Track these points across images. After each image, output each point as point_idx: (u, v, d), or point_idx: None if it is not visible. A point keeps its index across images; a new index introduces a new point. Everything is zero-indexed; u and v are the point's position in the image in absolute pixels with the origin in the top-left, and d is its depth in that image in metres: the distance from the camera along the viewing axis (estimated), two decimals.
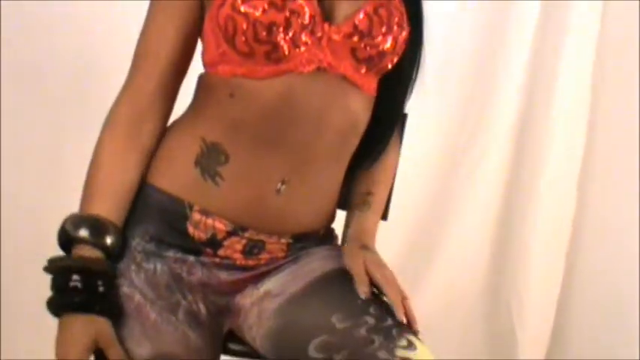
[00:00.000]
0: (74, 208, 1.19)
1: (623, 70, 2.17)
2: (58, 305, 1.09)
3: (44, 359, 1.45)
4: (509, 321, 2.39)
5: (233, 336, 1.25)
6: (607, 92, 2.24)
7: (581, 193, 2.35)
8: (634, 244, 2.19)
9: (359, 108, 1.16)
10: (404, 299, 1.15)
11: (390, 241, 2.26)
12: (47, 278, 1.96)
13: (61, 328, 1.08)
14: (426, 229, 2.36)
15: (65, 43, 1.93)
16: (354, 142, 1.20)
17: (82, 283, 1.08)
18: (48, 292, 1.98)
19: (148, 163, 1.18)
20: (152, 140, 1.19)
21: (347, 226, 1.34)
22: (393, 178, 1.41)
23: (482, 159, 2.33)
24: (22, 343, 2.02)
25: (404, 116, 1.41)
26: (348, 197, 1.34)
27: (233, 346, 1.25)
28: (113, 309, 1.11)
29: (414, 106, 1.32)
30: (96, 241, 1.11)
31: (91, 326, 1.07)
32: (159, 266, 1.16)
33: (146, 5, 1.19)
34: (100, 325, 1.08)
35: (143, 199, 1.17)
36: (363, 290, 1.14)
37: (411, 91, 1.24)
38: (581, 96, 2.25)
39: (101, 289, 1.09)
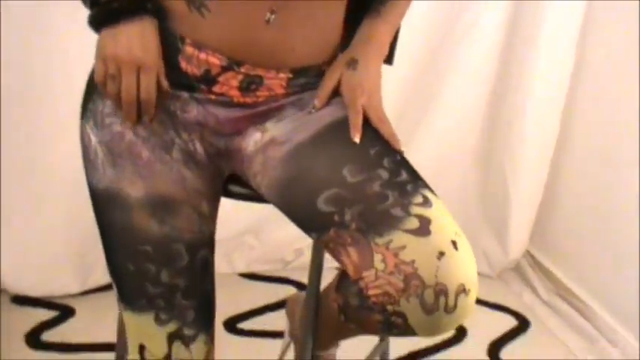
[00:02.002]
0: None
1: None
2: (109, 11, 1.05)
3: None
4: (502, 181, 2.38)
5: (234, 178, 1.21)
6: None
7: (579, 52, 2.29)
8: (631, 103, 2.16)
9: None
10: (381, 123, 1.10)
11: (384, 97, 2.23)
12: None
13: (127, 34, 1.06)
14: (420, 88, 2.31)
15: None
16: None
17: None
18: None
19: None
20: None
21: None
22: (401, 18, 1.32)
23: (479, 18, 2.25)
24: None
25: None
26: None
27: (234, 189, 1.21)
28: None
29: None
30: None
31: (153, 27, 1.08)
32: None
33: None
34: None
35: None
36: (313, 103, 1.13)
37: None
38: None
39: None
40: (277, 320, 2.15)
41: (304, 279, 2.34)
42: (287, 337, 1.44)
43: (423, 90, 2.30)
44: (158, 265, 1.09)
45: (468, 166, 2.44)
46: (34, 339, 1.98)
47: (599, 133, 2.27)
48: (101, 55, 1.08)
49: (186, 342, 1.12)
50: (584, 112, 2.32)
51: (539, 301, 2.36)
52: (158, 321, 1.10)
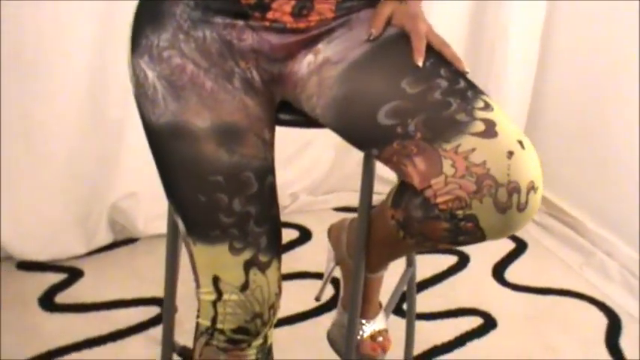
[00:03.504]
0: None
1: None
2: None
3: None
4: None
5: (283, 106, 1.21)
6: None
7: None
8: (609, 22, 2.22)
9: None
10: (444, 46, 1.11)
11: None
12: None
13: None
14: None
15: None
16: None
17: None
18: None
19: None
20: None
21: None
22: None
23: None
24: None
25: None
26: None
27: (283, 116, 1.22)
28: None
29: None
30: None
31: None
32: (208, 33, 1.11)
33: None
34: None
35: None
36: (371, 32, 1.11)
37: None
38: None
39: None
40: (286, 264, 2.16)
41: (303, 222, 2.38)
42: (331, 266, 1.46)
43: None
44: (230, 194, 1.09)
45: None
46: (48, 302, 1.96)
47: (579, 52, 2.34)
48: None
49: (262, 268, 1.12)
50: (564, 33, 2.38)
51: (532, 224, 2.42)
52: (233, 250, 1.11)
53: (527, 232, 2.39)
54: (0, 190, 1.95)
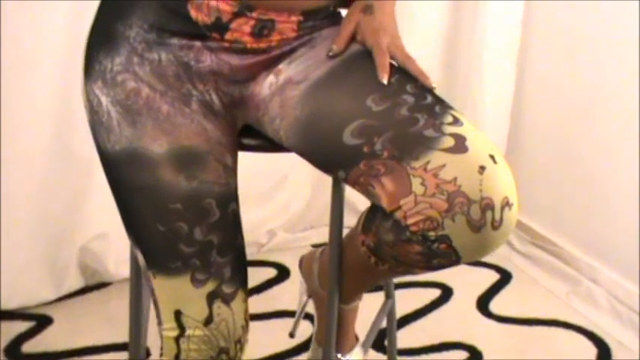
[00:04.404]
0: None
1: None
2: None
3: None
4: None
5: (246, 131, 1.17)
6: None
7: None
8: (584, 45, 2.21)
9: None
10: (408, 61, 1.06)
11: None
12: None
13: None
14: None
15: None
16: None
17: None
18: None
19: None
20: None
21: None
22: None
23: None
24: None
25: None
26: None
27: (247, 141, 1.17)
28: None
29: None
30: None
31: None
32: (164, 55, 1.06)
33: None
34: None
35: None
36: (332, 48, 1.08)
37: None
38: None
39: None
40: (264, 303, 2.11)
41: (281, 260, 2.32)
42: (304, 299, 1.39)
43: None
44: (190, 222, 1.04)
45: None
46: (14, 353, 1.87)
47: (556, 80, 2.31)
48: None
49: (227, 300, 1.07)
50: (539, 61, 2.36)
51: (515, 253, 2.37)
52: (195, 282, 1.05)
53: (511, 262, 2.33)
54: None
